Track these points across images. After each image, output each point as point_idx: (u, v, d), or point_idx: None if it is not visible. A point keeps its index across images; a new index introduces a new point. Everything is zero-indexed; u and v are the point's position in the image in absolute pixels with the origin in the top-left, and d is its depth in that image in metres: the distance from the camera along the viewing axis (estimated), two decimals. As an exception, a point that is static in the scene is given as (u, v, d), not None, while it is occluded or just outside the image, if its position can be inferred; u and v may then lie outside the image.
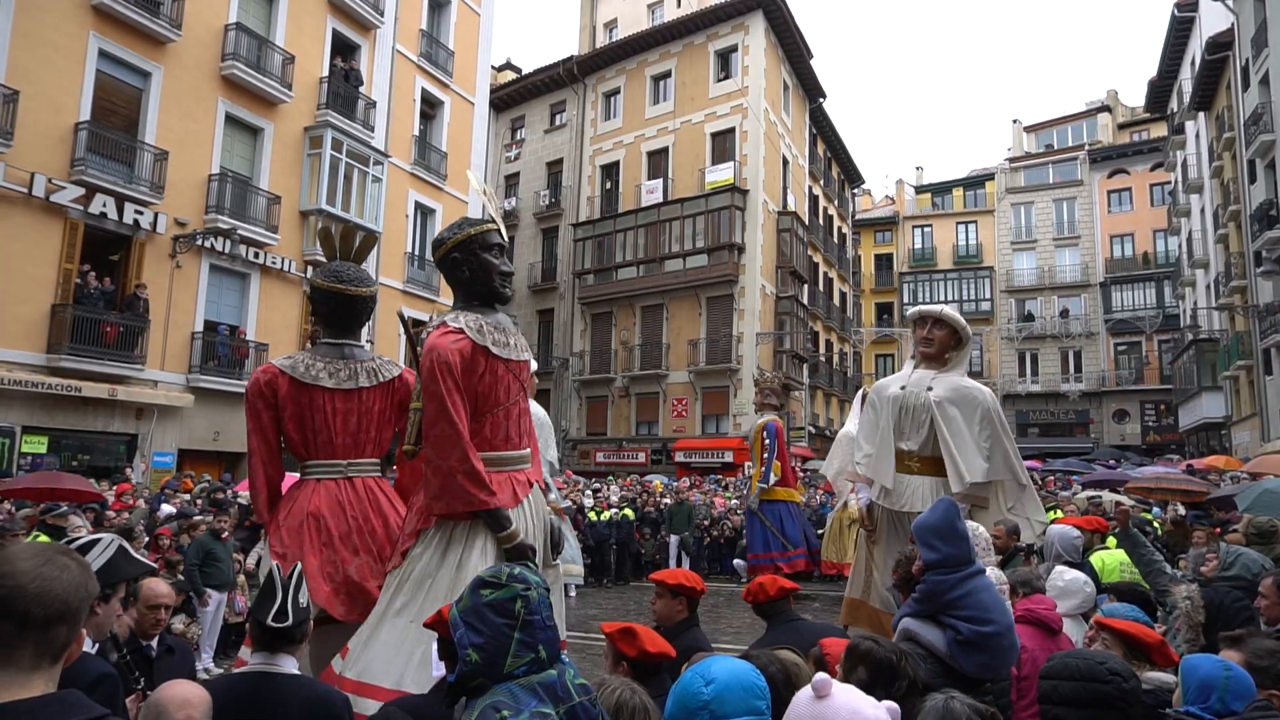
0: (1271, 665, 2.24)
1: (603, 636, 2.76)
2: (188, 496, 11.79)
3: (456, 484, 3.44)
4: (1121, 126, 42.51)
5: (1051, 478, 19.25)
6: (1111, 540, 5.98)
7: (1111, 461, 22.77)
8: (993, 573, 3.37)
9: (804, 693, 1.79)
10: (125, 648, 3.12)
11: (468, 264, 3.91)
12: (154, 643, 3.31)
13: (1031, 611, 3.41)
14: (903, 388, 5.21)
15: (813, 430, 31.54)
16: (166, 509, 10.45)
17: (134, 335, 15.42)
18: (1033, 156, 42.03)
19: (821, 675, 1.79)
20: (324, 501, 4.14)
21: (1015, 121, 44.65)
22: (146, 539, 8.32)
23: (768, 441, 11.03)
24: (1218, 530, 7.17)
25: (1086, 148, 40.18)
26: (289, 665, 2.52)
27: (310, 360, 4.26)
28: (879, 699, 2.05)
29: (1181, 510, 8.30)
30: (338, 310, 4.37)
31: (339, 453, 4.26)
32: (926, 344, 5.30)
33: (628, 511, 14.71)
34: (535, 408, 10.88)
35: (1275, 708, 2.10)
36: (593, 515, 14.06)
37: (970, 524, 3.72)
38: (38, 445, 14.43)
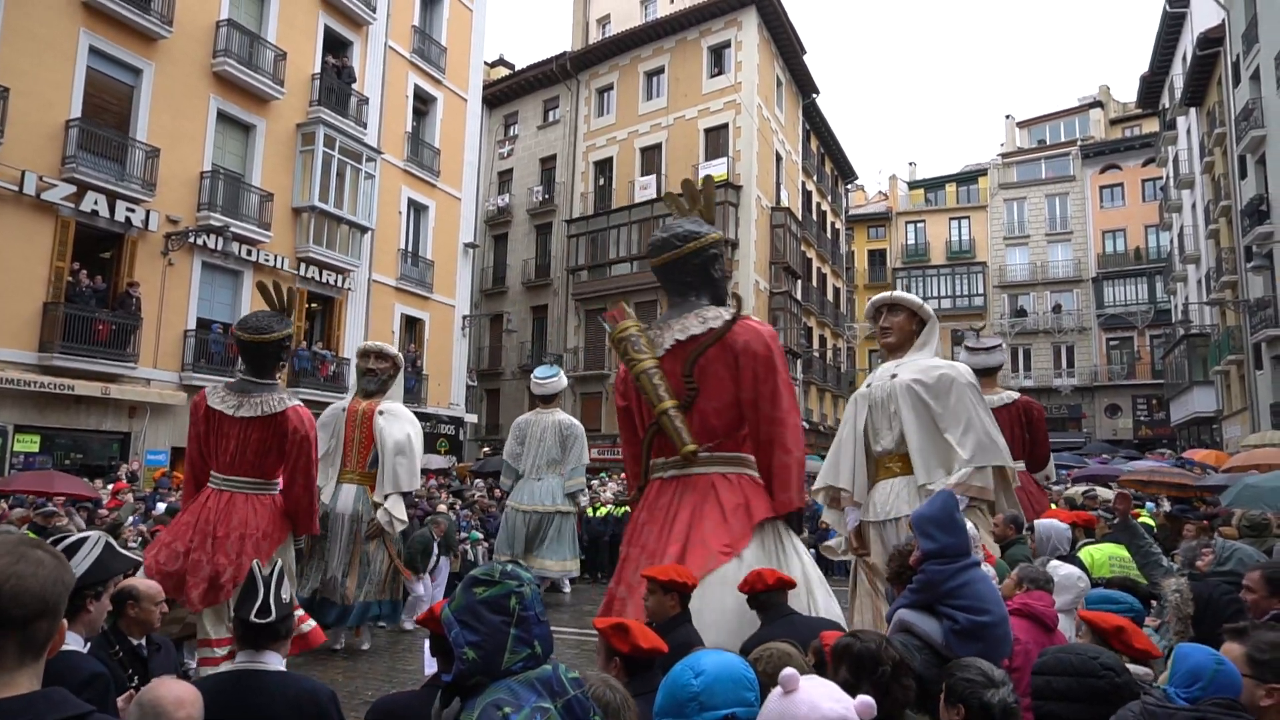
0: (1274, 659, 2.20)
1: (596, 632, 2.75)
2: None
3: (801, 477, 3.43)
4: (1113, 122, 42.59)
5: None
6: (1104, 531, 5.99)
7: (1104, 456, 22.83)
8: (984, 568, 3.38)
9: (775, 690, 1.81)
10: (118, 645, 3.10)
11: (718, 264, 4.12)
12: (143, 640, 3.28)
13: (1028, 606, 3.41)
14: (869, 385, 4.89)
15: (806, 425, 31.56)
16: (160, 507, 10.42)
17: (126, 333, 15.35)
18: (1025, 152, 42.09)
19: (788, 670, 1.80)
20: (197, 504, 5.39)
21: (1008, 117, 44.71)
22: (142, 539, 8.29)
23: None
24: (1206, 523, 7.20)
25: (1079, 143, 40.25)
26: (274, 661, 2.51)
27: (225, 392, 5.52)
28: (865, 693, 2.06)
29: (1166, 506, 8.35)
30: (244, 353, 5.46)
31: (220, 469, 5.43)
32: (885, 334, 5.02)
33: (615, 508, 14.65)
34: (563, 416, 11.08)
35: (1244, 711, 2.07)
36: (589, 511, 14.06)
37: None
38: (30, 444, 14.35)
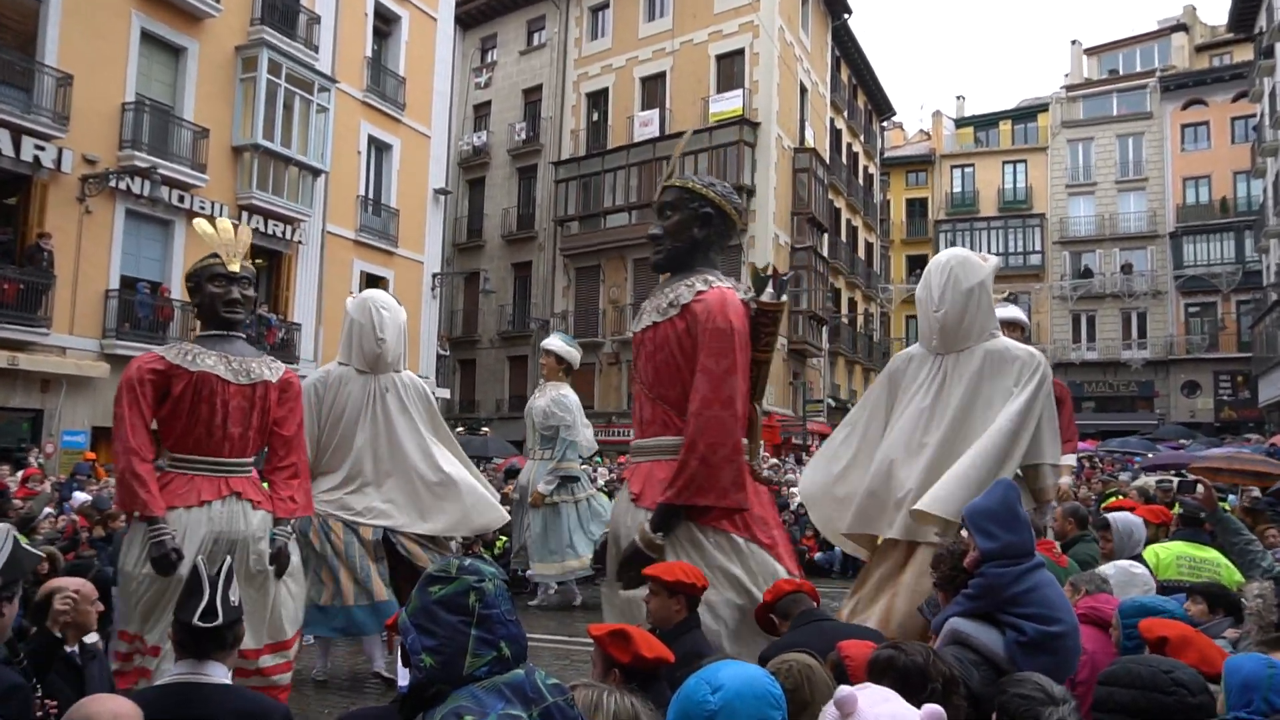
0: None
1: (589, 641, 2.79)
2: (112, 480, 11.72)
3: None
4: (1199, 49, 42.21)
5: (1110, 459, 19.42)
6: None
7: (1182, 442, 22.90)
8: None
9: (828, 711, 1.80)
10: (43, 653, 3.14)
11: (714, 228, 4.31)
12: (76, 648, 3.33)
13: (1095, 610, 3.43)
14: None
15: (833, 403, 31.66)
16: (79, 496, 10.44)
17: (37, 294, 15.31)
18: (1094, 84, 41.79)
19: (844, 690, 1.79)
20: None
21: (1074, 43, 44.37)
22: (59, 538, 8.33)
23: None
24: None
25: (1158, 74, 39.94)
26: (219, 674, 2.53)
27: None
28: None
29: (1257, 493, 8.34)
30: None
31: None
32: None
33: (607, 498, 14.63)
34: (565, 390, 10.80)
35: None
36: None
37: None
38: (-74, 424, 14.40)
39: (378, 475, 6.46)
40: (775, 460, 20.04)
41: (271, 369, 5.09)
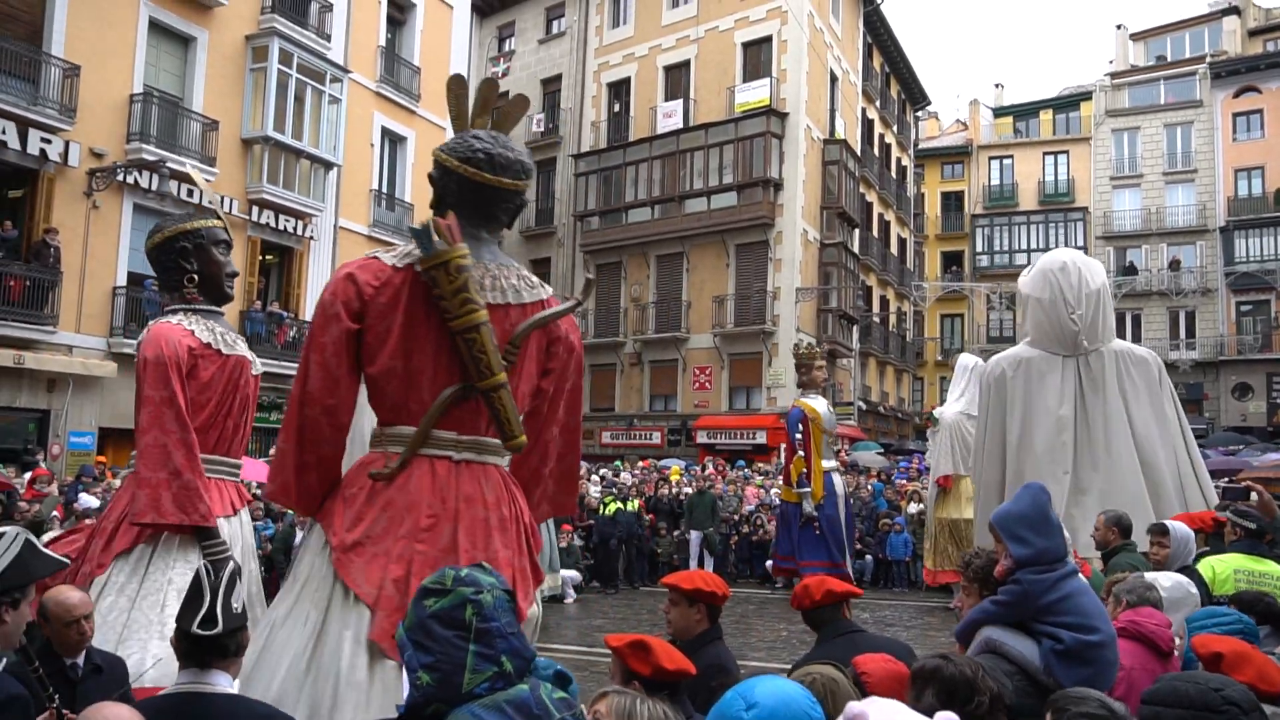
0: None
1: (608, 652, 2.77)
2: (118, 484, 11.87)
3: None
4: (1253, 33, 41.72)
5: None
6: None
7: (1234, 448, 22.62)
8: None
9: None
10: (38, 661, 3.15)
11: (449, 192, 3.47)
12: (80, 660, 3.33)
13: (1136, 625, 3.38)
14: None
15: (863, 406, 31.51)
16: (86, 500, 10.55)
17: (43, 291, 15.47)
18: (1140, 70, 41.39)
19: (853, 707, 1.78)
20: None
21: (1120, 27, 43.93)
22: (58, 533, 8.42)
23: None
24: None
25: (1208, 59, 39.52)
26: (223, 683, 2.53)
27: None
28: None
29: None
30: None
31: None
32: None
33: (622, 504, 14.69)
34: None
35: None
36: (606, 508, 14.24)
37: None
38: (-69, 424, 14.59)
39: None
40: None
41: None
